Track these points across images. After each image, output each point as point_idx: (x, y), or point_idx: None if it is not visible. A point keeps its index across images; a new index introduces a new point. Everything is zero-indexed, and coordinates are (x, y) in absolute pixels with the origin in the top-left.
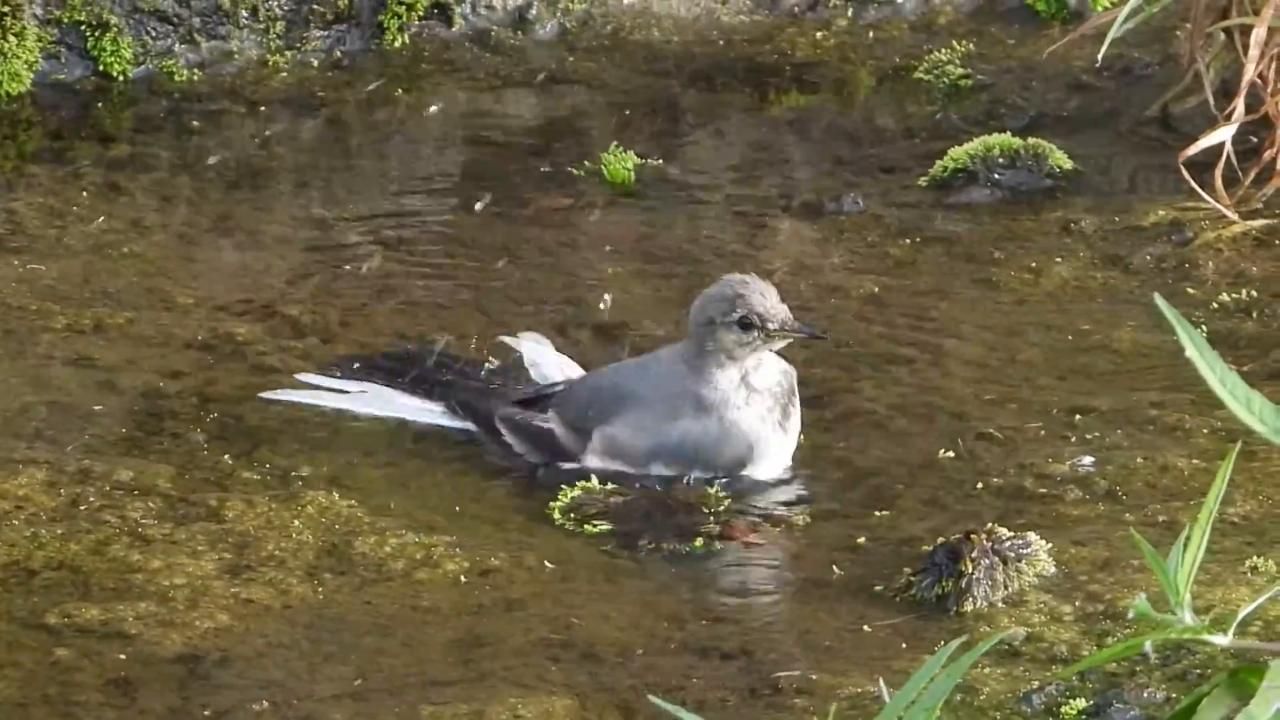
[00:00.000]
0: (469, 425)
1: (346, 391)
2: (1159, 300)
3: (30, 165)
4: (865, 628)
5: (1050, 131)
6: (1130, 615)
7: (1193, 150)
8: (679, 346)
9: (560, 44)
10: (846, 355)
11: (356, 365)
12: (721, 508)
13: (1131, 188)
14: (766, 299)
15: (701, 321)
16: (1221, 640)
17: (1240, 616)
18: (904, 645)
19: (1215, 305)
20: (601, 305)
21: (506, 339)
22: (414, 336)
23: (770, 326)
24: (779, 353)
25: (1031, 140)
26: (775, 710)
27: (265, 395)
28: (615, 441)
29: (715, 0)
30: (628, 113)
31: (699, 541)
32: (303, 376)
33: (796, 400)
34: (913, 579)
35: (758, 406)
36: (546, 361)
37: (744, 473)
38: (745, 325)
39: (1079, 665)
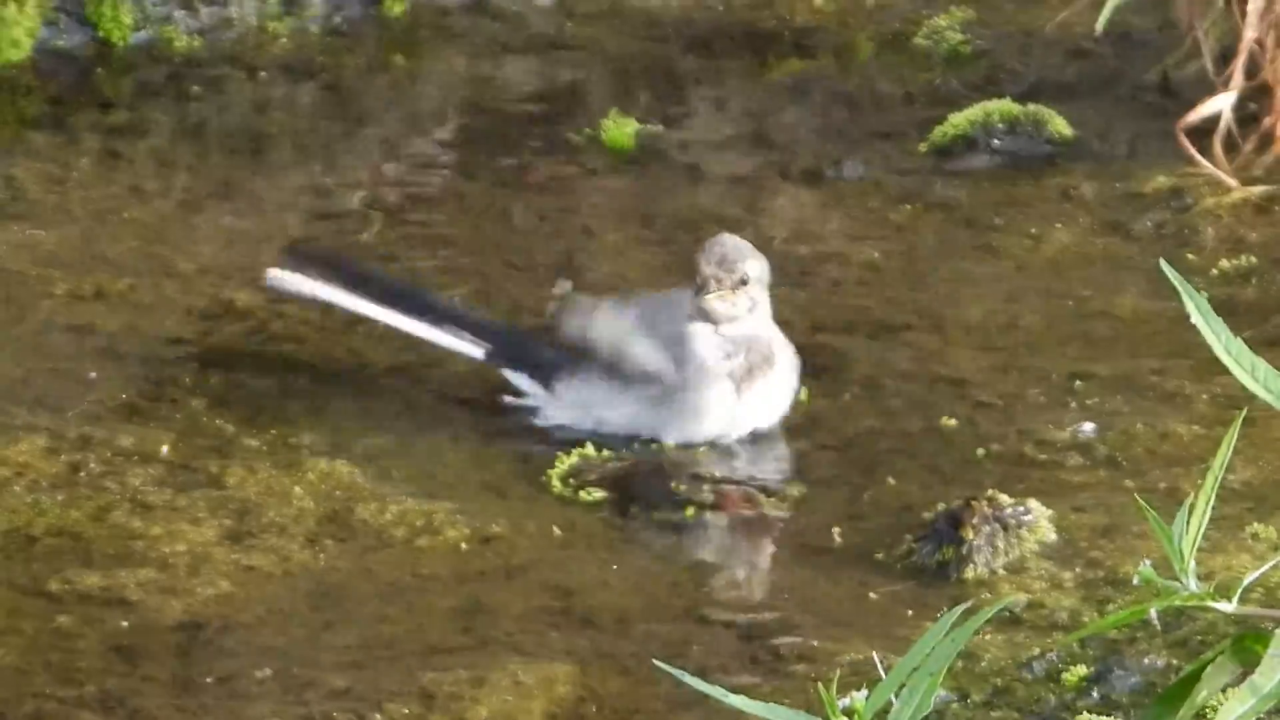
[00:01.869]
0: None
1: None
2: (1165, 266)
3: (30, 132)
4: (871, 594)
5: (1050, 98)
6: (1135, 581)
7: (1192, 118)
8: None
9: (559, 10)
10: (846, 321)
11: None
12: (718, 475)
13: (1131, 154)
14: (709, 260)
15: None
16: (1227, 607)
17: (1245, 584)
18: (905, 612)
19: (1215, 271)
20: (556, 289)
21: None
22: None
23: (710, 286)
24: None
25: (1031, 106)
26: (776, 677)
27: (273, 275)
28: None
29: None
30: (627, 79)
31: (690, 511)
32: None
33: (774, 372)
34: (914, 546)
35: (732, 362)
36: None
37: (687, 438)
38: (696, 284)
39: (1082, 631)
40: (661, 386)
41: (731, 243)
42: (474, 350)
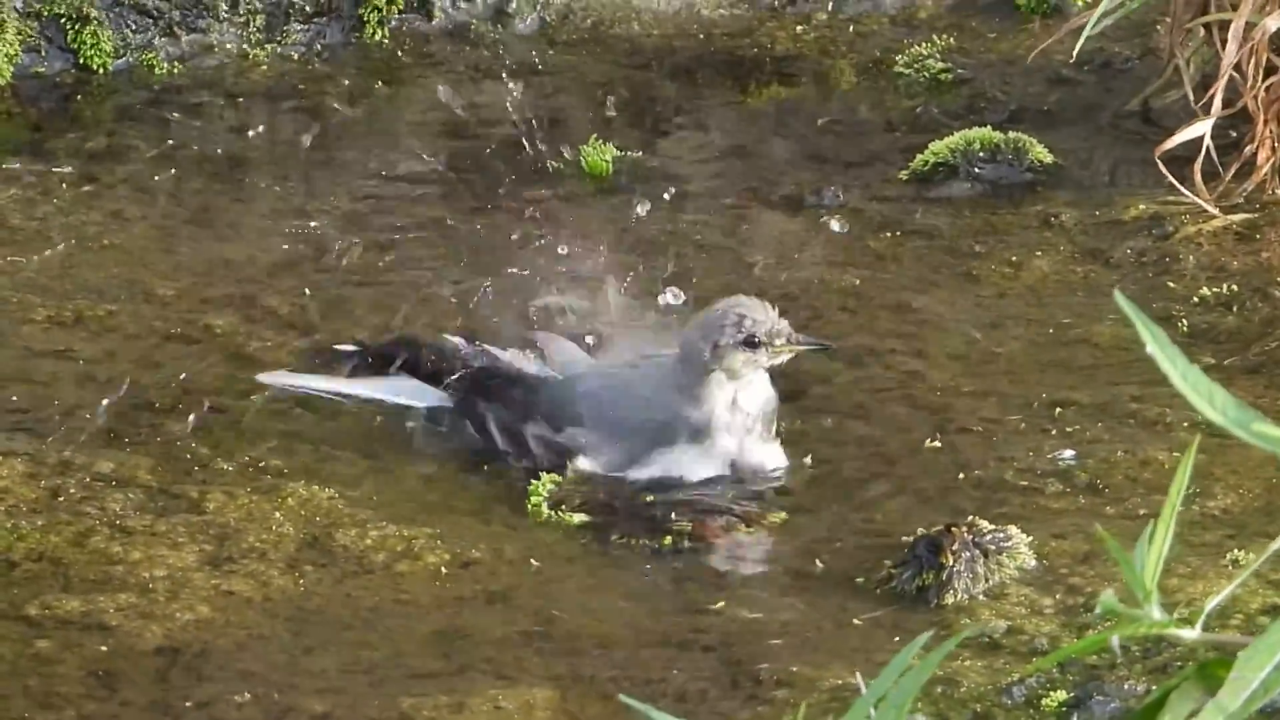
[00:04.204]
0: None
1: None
2: (1119, 297)
3: (10, 158)
4: (852, 620)
5: (1030, 125)
6: (1097, 611)
7: (1170, 144)
8: (666, 365)
9: (540, 37)
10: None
11: (350, 353)
12: (699, 501)
13: (1112, 181)
14: (769, 316)
15: (705, 345)
16: (1190, 634)
17: (1207, 610)
18: (885, 637)
19: (1196, 299)
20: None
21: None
22: (395, 328)
23: (777, 342)
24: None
25: (1012, 134)
26: (756, 702)
27: (262, 378)
28: (601, 454)
29: None
30: (607, 105)
31: (669, 539)
32: (290, 376)
33: (777, 441)
34: (893, 571)
35: (743, 423)
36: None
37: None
38: (752, 344)
39: (1051, 658)
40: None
41: (747, 298)
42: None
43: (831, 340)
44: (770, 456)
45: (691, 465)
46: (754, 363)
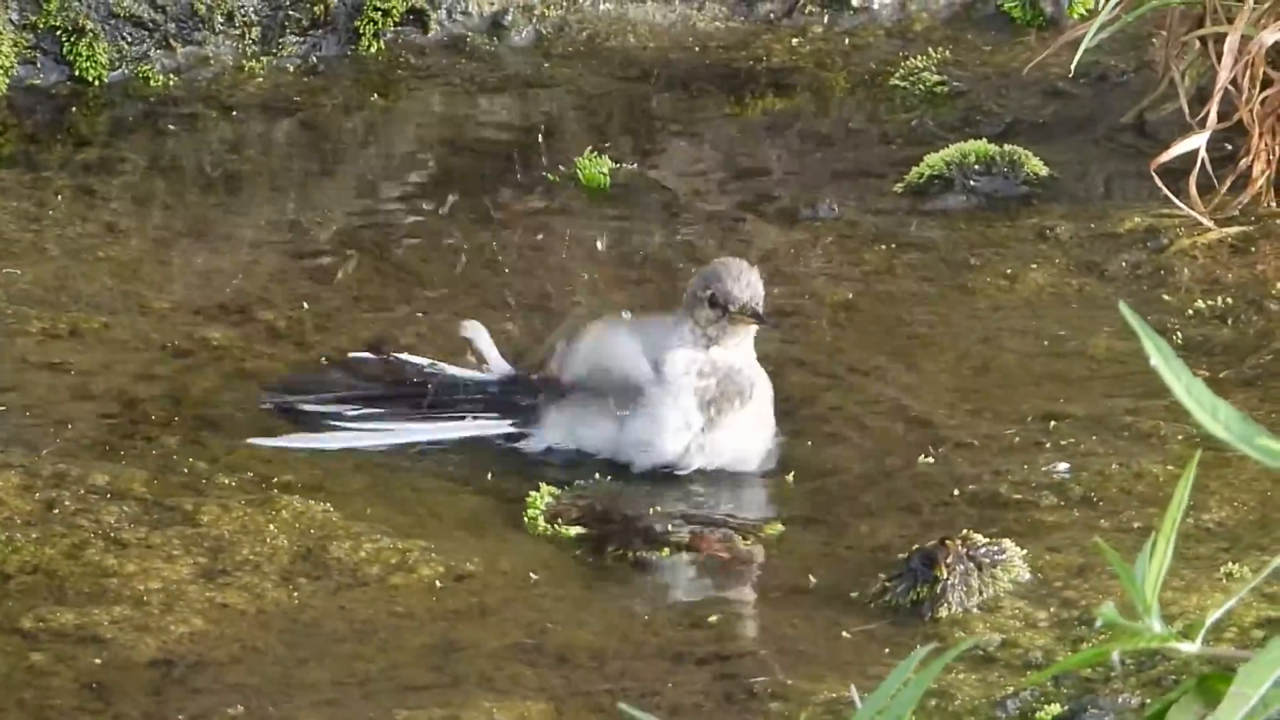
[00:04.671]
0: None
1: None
2: (1124, 309)
3: (5, 170)
4: (845, 634)
5: (1026, 138)
6: (1097, 624)
7: (1165, 157)
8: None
9: (536, 50)
10: (822, 362)
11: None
12: (694, 514)
13: (1107, 194)
14: (739, 282)
15: (688, 294)
16: (1189, 648)
17: (1208, 624)
18: (879, 651)
19: (1190, 312)
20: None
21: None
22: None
23: (731, 308)
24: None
25: (1007, 147)
26: (751, 715)
27: (259, 442)
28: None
29: (691, 6)
30: (603, 118)
31: (665, 550)
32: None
33: (749, 404)
34: (888, 585)
35: (691, 382)
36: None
37: (653, 458)
38: (713, 303)
39: (1048, 671)
40: (634, 401)
41: (747, 266)
42: (495, 428)
43: (776, 322)
44: (744, 431)
45: (649, 410)
46: (715, 323)
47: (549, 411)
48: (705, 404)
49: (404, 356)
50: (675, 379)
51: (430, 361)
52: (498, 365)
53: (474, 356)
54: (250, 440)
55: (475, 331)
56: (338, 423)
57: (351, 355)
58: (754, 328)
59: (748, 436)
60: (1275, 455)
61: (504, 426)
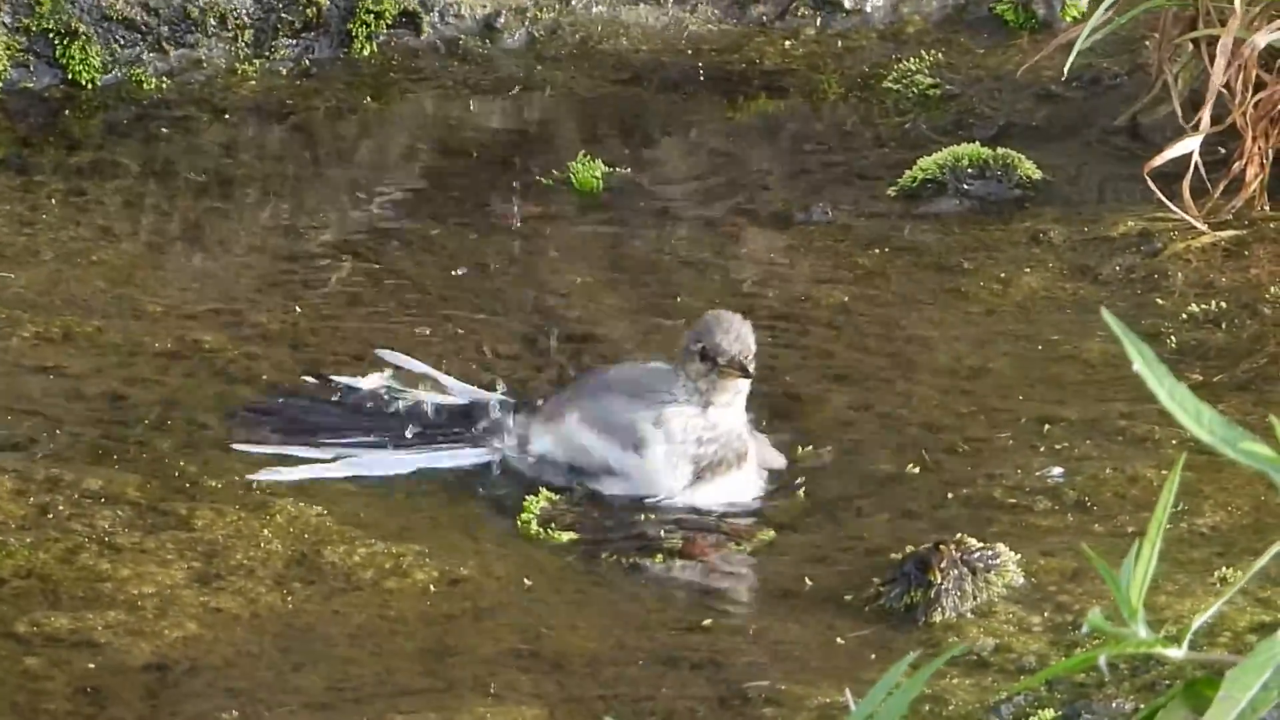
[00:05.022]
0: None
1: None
2: (1106, 314)
3: None
4: (839, 639)
5: (1019, 141)
6: (1084, 630)
7: (1158, 160)
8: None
9: (529, 53)
10: (815, 365)
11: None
12: (688, 519)
13: (1100, 198)
14: (728, 335)
15: (682, 348)
16: (1176, 653)
17: (1193, 628)
18: (873, 655)
19: (1184, 316)
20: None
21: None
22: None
23: (720, 360)
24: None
25: (1000, 150)
26: None
27: (255, 478)
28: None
29: (684, 9)
30: (596, 121)
31: (659, 557)
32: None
33: (742, 473)
34: (881, 589)
35: (680, 455)
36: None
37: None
38: (703, 356)
39: (1039, 676)
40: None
41: (739, 319)
42: (473, 458)
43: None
44: (734, 491)
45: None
46: (705, 377)
47: (535, 433)
48: (701, 470)
49: (353, 381)
50: (673, 442)
51: (389, 384)
52: (456, 387)
53: (427, 382)
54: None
55: (396, 358)
56: (310, 453)
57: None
58: (746, 384)
59: (736, 493)
60: (1260, 459)
61: (481, 456)
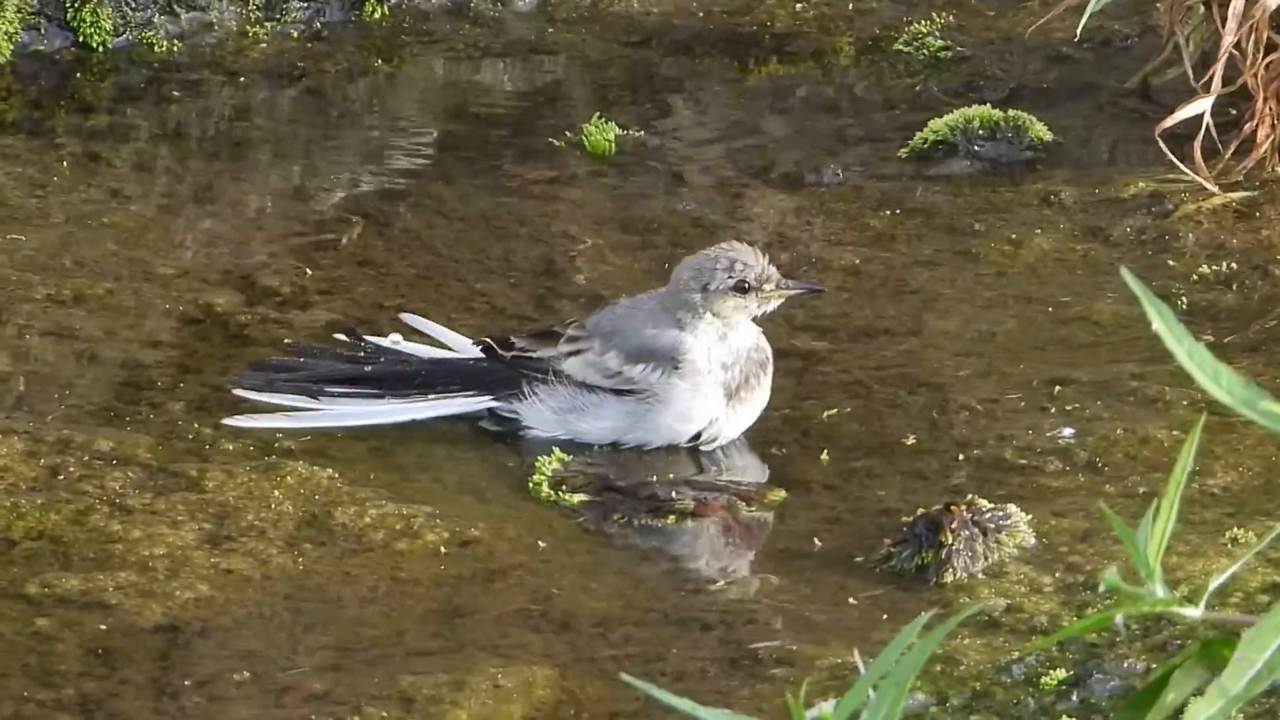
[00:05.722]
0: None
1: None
2: (1126, 274)
3: (9, 136)
4: (850, 599)
5: (1030, 103)
6: (1100, 589)
7: (1169, 122)
8: (660, 296)
9: (540, 15)
10: (826, 326)
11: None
12: (699, 480)
13: (1111, 159)
14: (759, 261)
15: (694, 289)
16: (1193, 613)
17: (1211, 589)
18: (884, 616)
19: (1195, 277)
20: (392, 340)
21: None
22: (393, 308)
23: (766, 287)
24: (765, 318)
25: (1011, 112)
26: (755, 681)
27: (231, 421)
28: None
29: None
30: (608, 84)
31: (670, 517)
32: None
33: (766, 376)
34: (893, 550)
35: (717, 376)
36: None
37: (685, 442)
38: (742, 289)
39: (1053, 637)
40: (648, 398)
41: (743, 245)
42: (473, 405)
43: (821, 285)
44: (738, 415)
45: (673, 406)
46: (744, 308)
47: (537, 398)
48: (731, 393)
49: (375, 340)
50: (702, 372)
51: (396, 341)
52: (460, 345)
53: (433, 342)
54: (225, 421)
55: (418, 321)
56: (315, 403)
57: (336, 336)
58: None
59: (758, 407)
60: (1279, 419)
61: (486, 402)
